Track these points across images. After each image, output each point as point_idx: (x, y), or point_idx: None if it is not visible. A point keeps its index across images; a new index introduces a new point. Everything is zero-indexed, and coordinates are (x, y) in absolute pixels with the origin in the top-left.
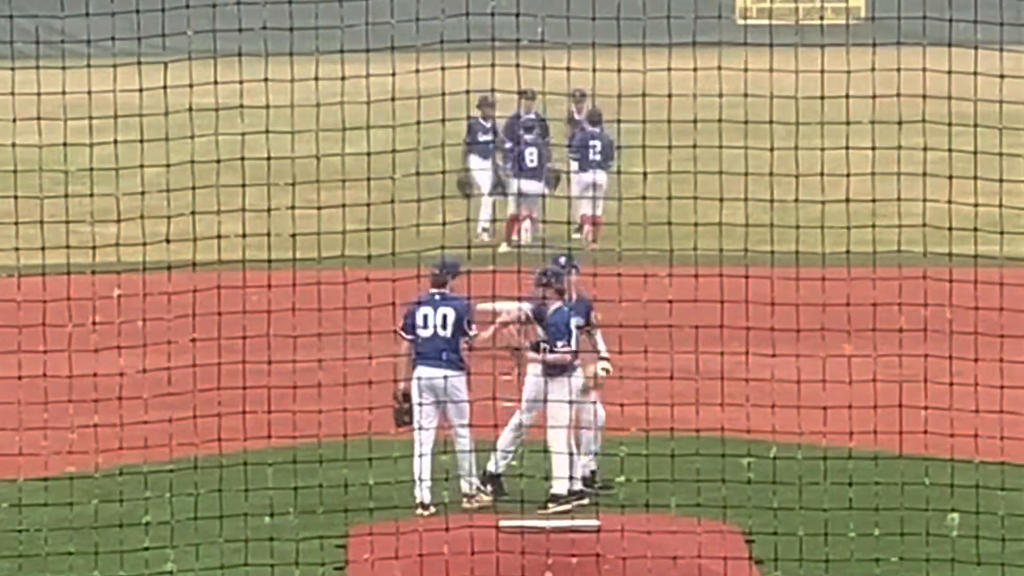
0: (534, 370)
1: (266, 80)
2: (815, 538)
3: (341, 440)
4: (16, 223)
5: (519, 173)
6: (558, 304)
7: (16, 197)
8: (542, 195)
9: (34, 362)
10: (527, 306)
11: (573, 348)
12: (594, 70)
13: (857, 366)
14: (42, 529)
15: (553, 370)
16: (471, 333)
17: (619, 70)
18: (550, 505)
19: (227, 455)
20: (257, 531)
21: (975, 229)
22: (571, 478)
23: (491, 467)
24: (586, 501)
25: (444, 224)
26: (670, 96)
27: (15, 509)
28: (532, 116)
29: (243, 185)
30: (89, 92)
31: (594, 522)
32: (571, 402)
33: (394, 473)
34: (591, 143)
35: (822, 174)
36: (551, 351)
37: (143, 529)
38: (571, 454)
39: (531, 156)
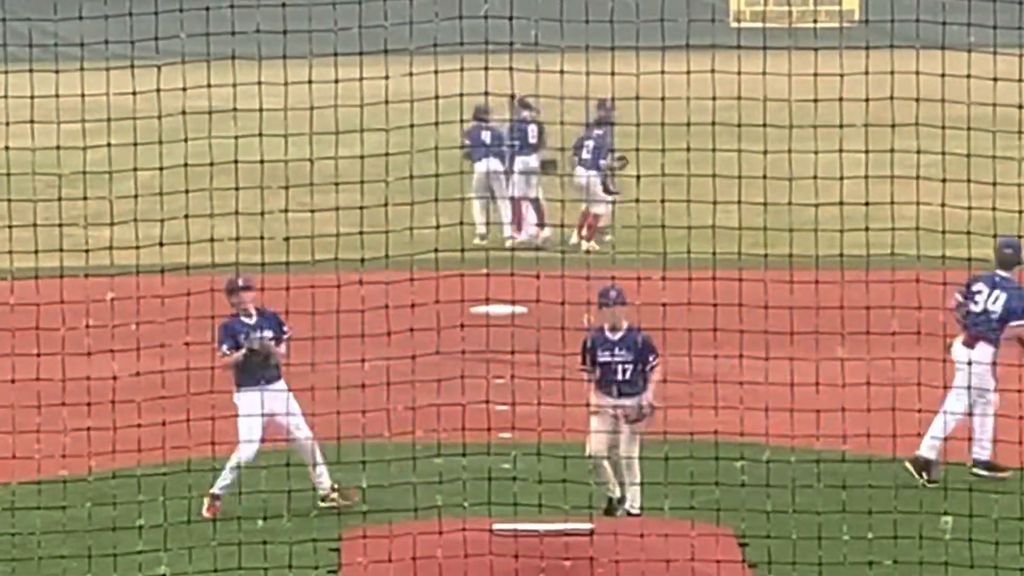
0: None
1: (259, 83)
2: (809, 541)
3: (334, 443)
4: (9, 226)
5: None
6: (627, 323)
7: (9, 200)
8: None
9: (27, 365)
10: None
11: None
12: (587, 73)
13: (851, 369)
14: (35, 532)
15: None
16: (219, 351)
17: (612, 73)
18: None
19: (220, 458)
20: (251, 534)
21: (968, 232)
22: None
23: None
24: None
25: (438, 227)
26: (663, 99)
27: (8, 512)
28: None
29: (236, 188)
30: (82, 95)
31: (587, 525)
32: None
33: (387, 476)
34: (584, 143)
35: (815, 177)
36: (652, 367)
37: (136, 532)
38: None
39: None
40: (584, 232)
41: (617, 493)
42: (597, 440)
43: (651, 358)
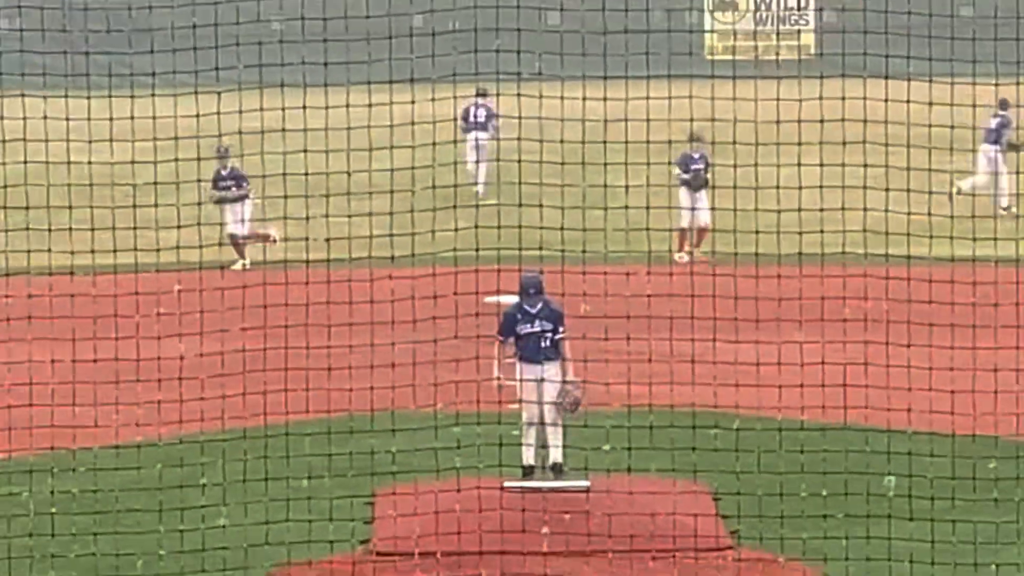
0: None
1: (304, 107)
2: (772, 497)
3: (368, 414)
4: (92, 229)
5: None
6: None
7: (92, 207)
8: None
9: (107, 347)
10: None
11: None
12: (584, 99)
13: (808, 351)
14: (114, 490)
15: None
16: None
17: (605, 99)
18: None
19: (271, 427)
20: (297, 491)
21: (908, 234)
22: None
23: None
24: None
25: (456, 230)
26: (648, 120)
27: (91, 473)
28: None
29: (284, 196)
30: (153, 117)
31: (584, 483)
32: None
33: (414, 442)
34: (688, 164)
35: (777, 187)
36: (563, 338)
37: (200, 490)
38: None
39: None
40: (694, 242)
41: (532, 460)
42: (528, 409)
43: (561, 329)
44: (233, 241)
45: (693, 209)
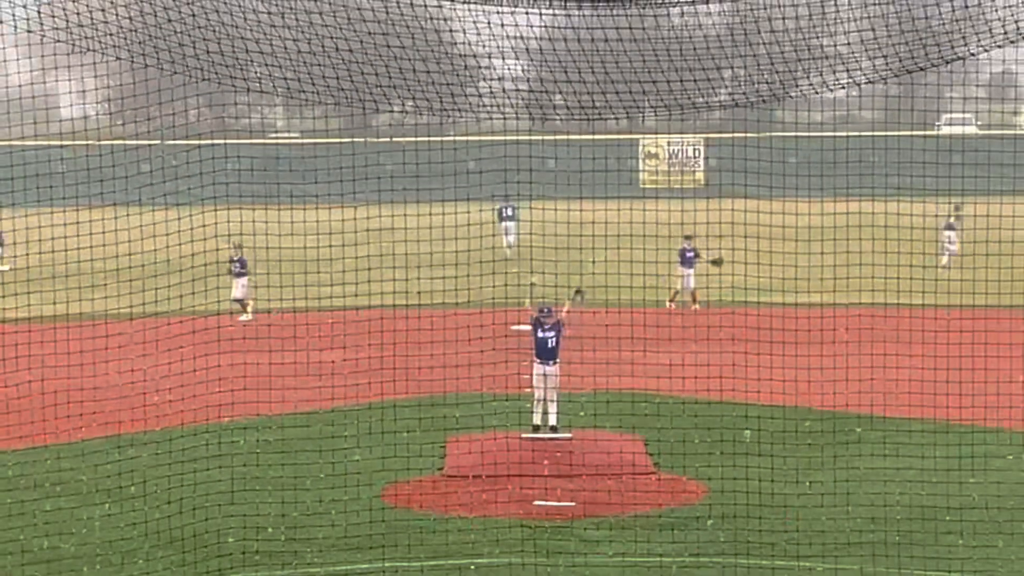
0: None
1: (405, 215)
2: (679, 443)
3: (443, 394)
4: (280, 286)
5: None
6: (554, 319)
7: (280, 273)
8: None
9: (290, 355)
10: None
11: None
12: (568, 210)
13: (700, 357)
14: (293, 439)
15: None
16: None
17: (581, 210)
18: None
19: (386, 401)
20: (400, 439)
21: (758, 288)
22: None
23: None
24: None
25: (493, 286)
26: (606, 223)
27: (280, 429)
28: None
29: (393, 267)
30: (317, 221)
31: (569, 435)
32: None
33: (469, 410)
34: (686, 253)
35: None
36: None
37: (343, 439)
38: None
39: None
40: (694, 297)
41: (538, 422)
42: (537, 389)
43: (560, 337)
44: (238, 302)
45: (686, 276)
